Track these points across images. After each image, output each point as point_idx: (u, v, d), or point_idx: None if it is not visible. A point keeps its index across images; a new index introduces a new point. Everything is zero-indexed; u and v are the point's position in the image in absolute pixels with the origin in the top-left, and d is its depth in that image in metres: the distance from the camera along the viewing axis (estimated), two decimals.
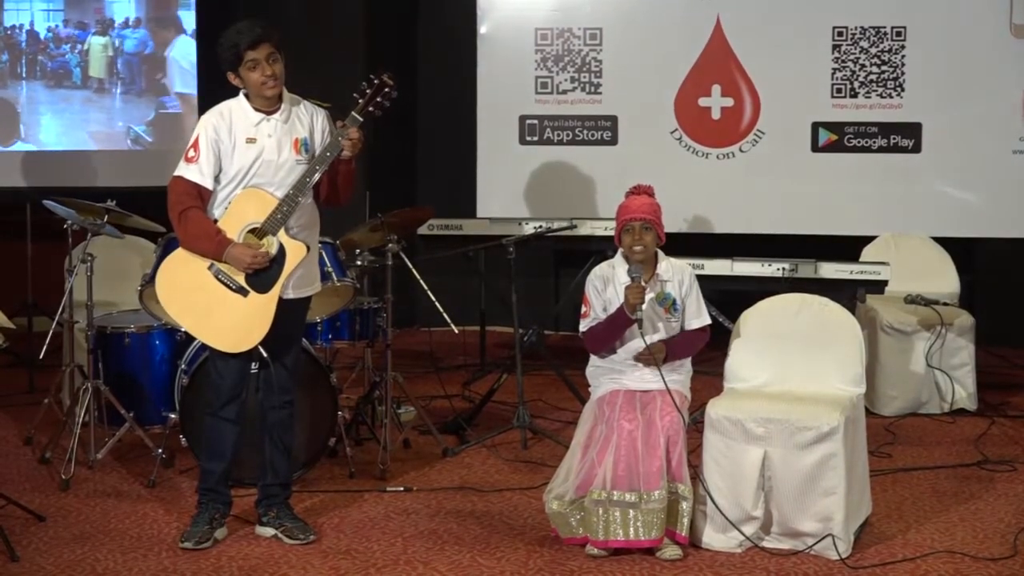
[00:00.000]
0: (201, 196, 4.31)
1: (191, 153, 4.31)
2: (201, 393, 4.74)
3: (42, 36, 7.72)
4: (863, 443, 4.59)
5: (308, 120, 4.42)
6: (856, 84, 7.36)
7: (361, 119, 4.31)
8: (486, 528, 4.61)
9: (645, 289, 4.44)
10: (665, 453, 4.28)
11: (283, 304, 4.38)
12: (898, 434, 5.85)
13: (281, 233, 4.29)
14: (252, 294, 4.30)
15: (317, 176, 4.32)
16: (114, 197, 5.36)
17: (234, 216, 4.31)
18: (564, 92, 7.57)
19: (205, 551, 4.36)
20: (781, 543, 4.35)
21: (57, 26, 7.73)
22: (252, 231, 4.30)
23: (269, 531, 4.51)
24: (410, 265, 5.79)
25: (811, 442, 4.26)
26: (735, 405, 4.44)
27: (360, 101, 4.32)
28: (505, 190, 7.63)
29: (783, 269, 6.11)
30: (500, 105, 7.63)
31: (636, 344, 4.47)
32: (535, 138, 7.63)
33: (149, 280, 4.93)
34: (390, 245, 5.42)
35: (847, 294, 5.94)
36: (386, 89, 4.33)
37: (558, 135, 7.60)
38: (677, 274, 4.56)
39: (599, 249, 6.37)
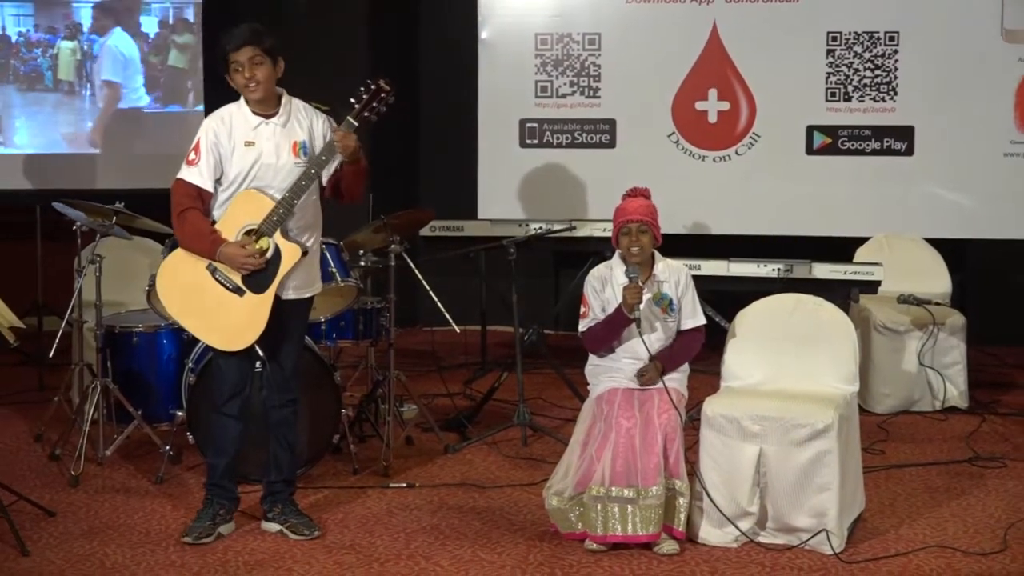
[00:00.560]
0: (201, 198, 4.36)
1: (192, 156, 4.36)
2: (208, 391, 4.77)
3: (14, 40, 7.79)
4: (856, 440, 4.61)
5: (308, 123, 4.43)
6: (850, 88, 7.38)
7: (356, 124, 4.31)
8: (487, 523, 4.64)
9: (643, 289, 4.46)
10: (663, 450, 4.30)
11: (284, 305, 4.40)
12: (891, 431, 5.87)
13: (277, 235, 4.31)
14: (248, 294, 4.33)
15: (314, 179, 4.33)
16: (94, 198, 5.40)
17: (232, 217, 4.35)
18: (563, 96, 7.59)
19: (212, 546, 4.38)
20: (776, 538, 4.37)
21: (28, 31, 7.79)
22: (248, 232, 4.32)
23: (274, 526, 4.53)
24: (412, 266, 5.81)
25: (805, 439, 4.28)
26: (731, 403, 4.46)
27: (356, 106, 4.32)
28: (505, 192, 7.63)
29: (778, 270, 6.12)
30: (501, 109, 7.64)
31: (634, 343, 4.50)
32: (535, 141, 7.64)
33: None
34: (393, 246, 5.44)
35: (841, 294, 5.92)
36: (383, 95, 4.32)
37: (558, 138, 7.62)
38: (674, 275, 4.58)
39: (597, 250, 6.35)
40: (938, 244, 6.94)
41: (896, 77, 7.35)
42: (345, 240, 5.52)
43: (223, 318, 4.36)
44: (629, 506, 4.27)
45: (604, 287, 4.59)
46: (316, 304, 5.12)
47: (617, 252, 4.59)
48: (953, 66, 7.29)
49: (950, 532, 4.54)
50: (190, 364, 5.14)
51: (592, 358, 4.65)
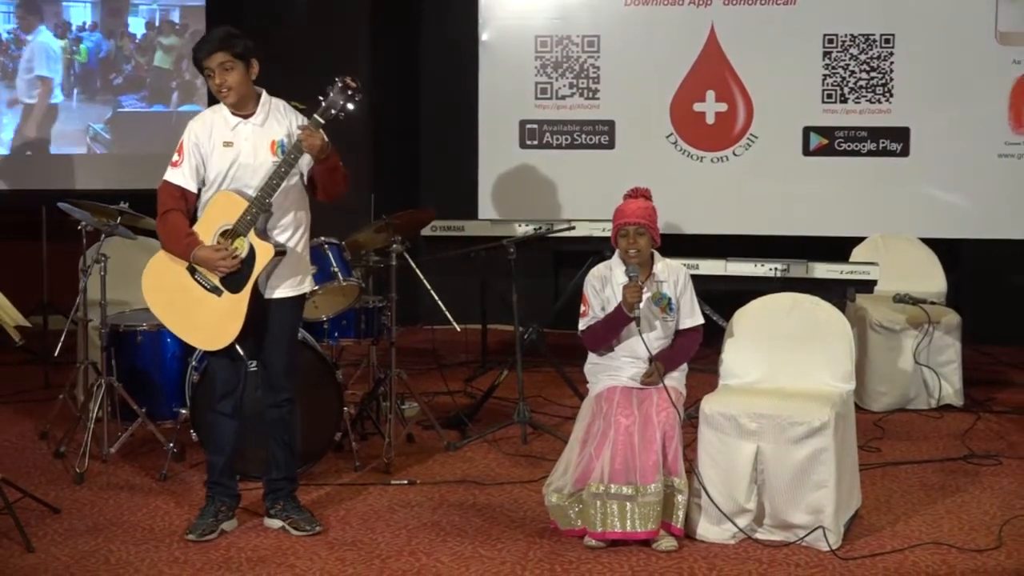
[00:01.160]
0: (185, 199, 4.40)
1: (175, 158, 4.41)
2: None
3: (3, 38, 7.83)
4: (853, 438, 4.63)
5: (287, 122, 4.43)
6: (846, 90, 7.42)
7: (323, 121, 4.27)
8: (487, 520, 4.66)
9: (642, 288, 4.49)
10: (661, 448, 4.32)
11: (269, 304, 4.43)
12: (887, 429, 5.89)
13: (251, 234, 4.31)
14: (226, 294, 4.35)
15: (284, 177, 4.30)
16: (89, 196, 5.44)
17: (209, 219, 4.38)
18: (563, 97, 7.62)
19: (214, 542, 4.40)
20: (773, 535, 4.39)
21: (17, 28, 7.85)
22: (225, 233, 4.34)
23: (276, 523, 4.56)
24: (413, 265, 5.83)
25: (802, 437, 4.30)
26: (729, 401, 4.47)
27: (323, 103, 4.29)
28: (506, 192, 7.65)
29: (775, 269, 6.13)
30: (501, 110, 7.66)
31: (633, 342, 4.53)
32: (535, 142, 7.67)
33: None
34: (394, 246, 5.45)
35: (837, 293, 5.95)
36: (349, 92, 4.29)
37: (557, 139, 7.65)
38: (672, 274, 4.60)
39: (597, 250, 6.33)
40: (934, 244, 6.96)
41: (892, 79, 7.39)
42: (347, 240, 5.55)
43: (203, 317, 4.39)
44: (628, 503, 4.29)
45: (604, 286, 4.61)
46: (318, 303, 5.17)
47: (616, 252, 4.61)
48: (948, 68, 7.33)
49: (945, 529, 4.56)
50: (193, 362, 5.15)
51: (591, 356, 4.66)
